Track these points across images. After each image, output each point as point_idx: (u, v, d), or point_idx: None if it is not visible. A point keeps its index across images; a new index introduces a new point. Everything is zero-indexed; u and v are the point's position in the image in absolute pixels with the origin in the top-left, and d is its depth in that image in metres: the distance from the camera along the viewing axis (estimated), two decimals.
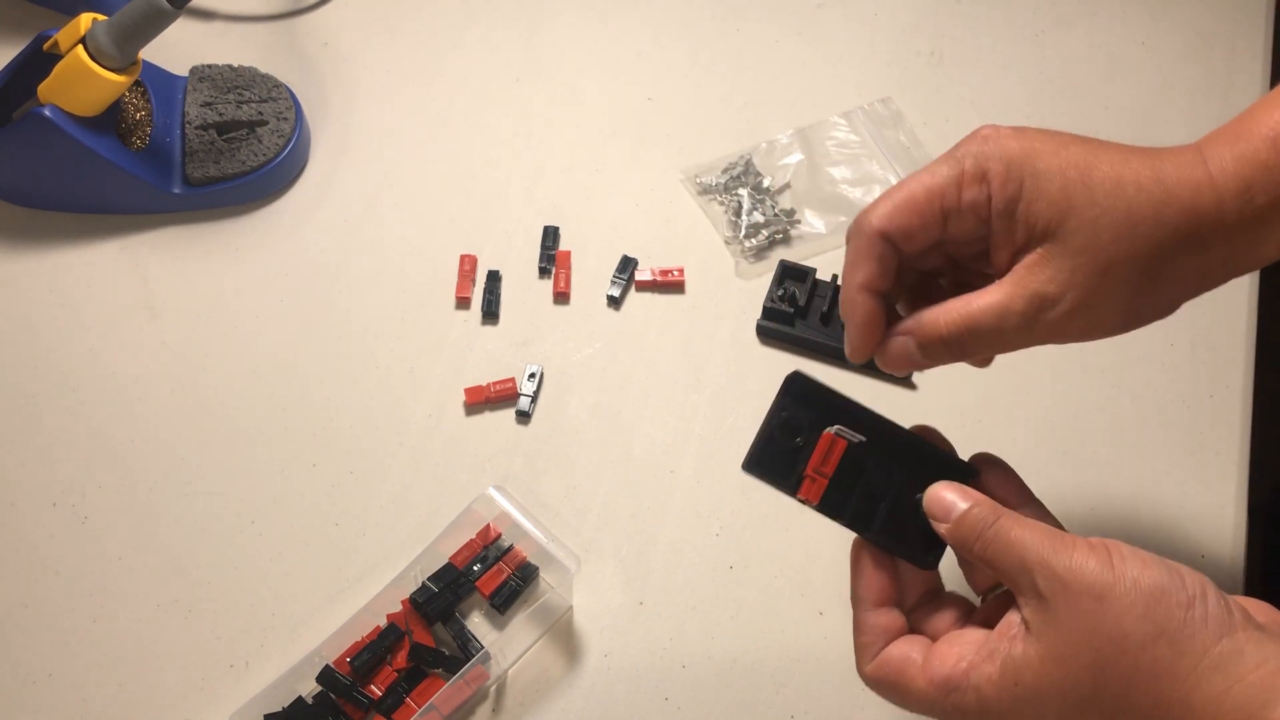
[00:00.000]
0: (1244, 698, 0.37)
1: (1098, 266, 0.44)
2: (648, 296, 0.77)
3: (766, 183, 0.81)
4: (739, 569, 0.68)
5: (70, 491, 0.71)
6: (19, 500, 0.70)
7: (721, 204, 0.80)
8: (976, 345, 0.46)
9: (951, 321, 0.46)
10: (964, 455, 0.48)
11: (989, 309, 0.45)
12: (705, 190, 0.81)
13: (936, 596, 0.48)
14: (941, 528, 0.45)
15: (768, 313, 0.74)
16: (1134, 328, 0.46)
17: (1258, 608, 0.41)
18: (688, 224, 0.80)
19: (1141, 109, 0.83)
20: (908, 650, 0.44)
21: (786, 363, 0.74)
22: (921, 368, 0.51)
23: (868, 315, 0.47)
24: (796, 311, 0.74)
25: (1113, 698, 0.39)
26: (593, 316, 0.76)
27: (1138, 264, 0.44)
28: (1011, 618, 0.42)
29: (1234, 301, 0.74)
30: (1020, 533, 0.42)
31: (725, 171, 0.81)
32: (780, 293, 0.74)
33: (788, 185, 0.81)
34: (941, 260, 0.50)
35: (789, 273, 0.75)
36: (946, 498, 0.45)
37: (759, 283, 0.77)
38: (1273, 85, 0.82)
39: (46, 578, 0.68)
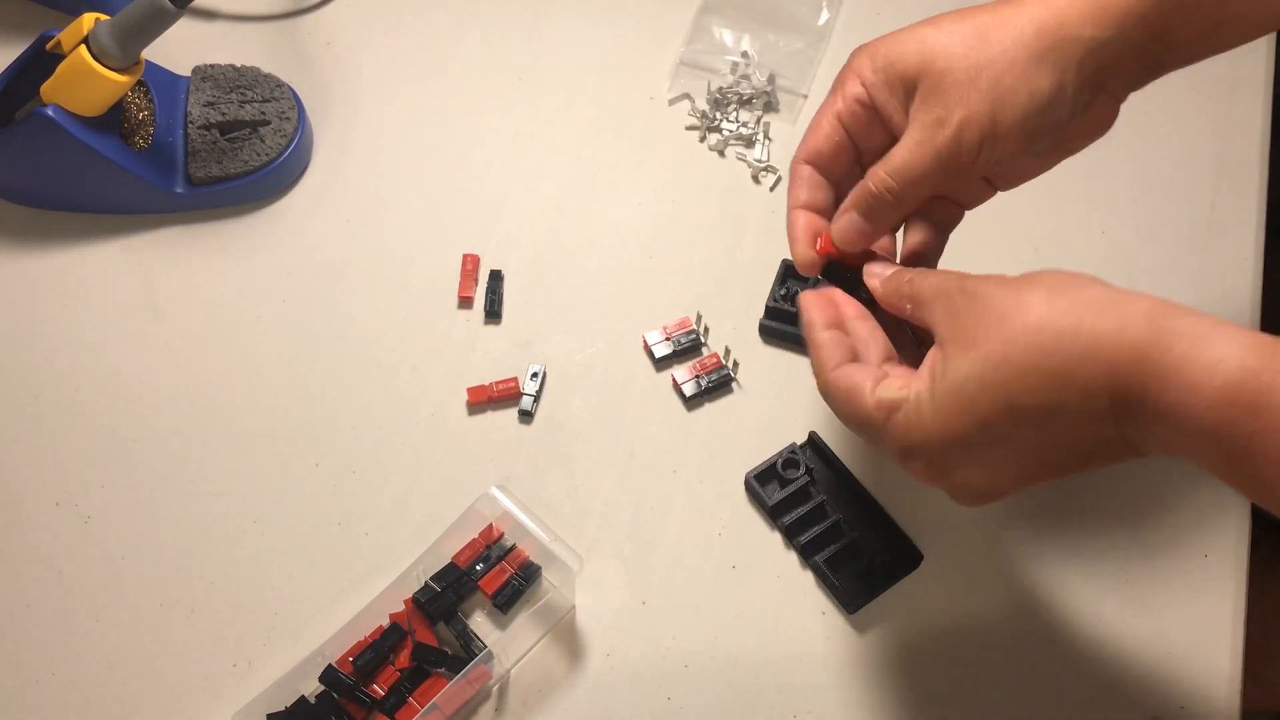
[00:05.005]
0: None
1: (961, 94, 0.52)
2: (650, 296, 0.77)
3: None
4: (742, 569, 0.68)
5: (73, 491, 0.71)
6: (22, 500, 0.71)
7: None
8: (907, 185, 0.53)
9: (877, 174, 0.54)
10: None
11: (900, 148, 0.53)
12: None
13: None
14: (874, 282, 0.55)
15: (770, 312, 0.74)
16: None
17: None
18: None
19: (1144, 109, 0.83)
20: (863, 376, 0.51)
21: (789, 361, 0.74)
22: (874, 236, 0.57)
23: (805, 226, 0.57)
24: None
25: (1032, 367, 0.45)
26: (595, 316, 0.76)
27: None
28: (934, 351, 0.49)
29: (1235, 304, 0.74)
30: (935, 275, 0.51)
31: None
32: (783, 292, 0.74)
33: None
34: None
35: (791, 272, 0.75)
36: (876, 268, 0.56)
37: (762, 283, 0.76)
38: (1274, 84, 0.83)
39: (49, 577, 0.68)
